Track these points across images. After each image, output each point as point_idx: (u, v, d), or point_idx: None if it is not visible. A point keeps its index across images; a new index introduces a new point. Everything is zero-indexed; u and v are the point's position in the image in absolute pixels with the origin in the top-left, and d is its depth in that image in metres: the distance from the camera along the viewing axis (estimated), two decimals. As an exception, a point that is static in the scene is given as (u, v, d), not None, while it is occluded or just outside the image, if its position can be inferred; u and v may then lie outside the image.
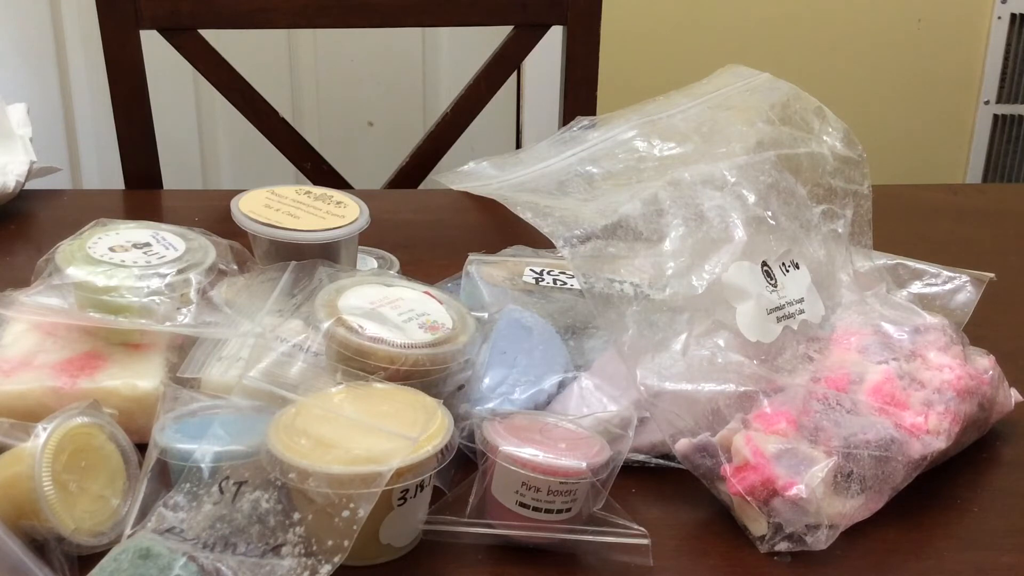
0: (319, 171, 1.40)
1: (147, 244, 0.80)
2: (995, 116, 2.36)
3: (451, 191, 1.01)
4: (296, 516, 0.60)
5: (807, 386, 0.71)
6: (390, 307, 0.73)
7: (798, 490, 0.64)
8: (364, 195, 0.90)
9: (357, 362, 0.68)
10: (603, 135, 0.85)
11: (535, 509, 0.64)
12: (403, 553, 0.64)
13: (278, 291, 0.77)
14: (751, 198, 0.78)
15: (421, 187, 1.40)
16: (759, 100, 0.87)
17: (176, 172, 1.68)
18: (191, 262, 0.78)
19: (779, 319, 0.75)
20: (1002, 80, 2.33)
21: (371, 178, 1.47)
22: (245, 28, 1.32)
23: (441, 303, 0.75)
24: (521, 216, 0.75)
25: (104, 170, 2.21)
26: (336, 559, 0.58)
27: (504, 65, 1.38)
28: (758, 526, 0.66)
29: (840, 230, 0.83)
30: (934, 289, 0.86)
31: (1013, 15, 2.28)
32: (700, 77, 0.91)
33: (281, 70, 2.22)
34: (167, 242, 0.80)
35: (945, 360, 0.73)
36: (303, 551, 0.59)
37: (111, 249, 0.78)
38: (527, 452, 0.63)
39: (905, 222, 1.15)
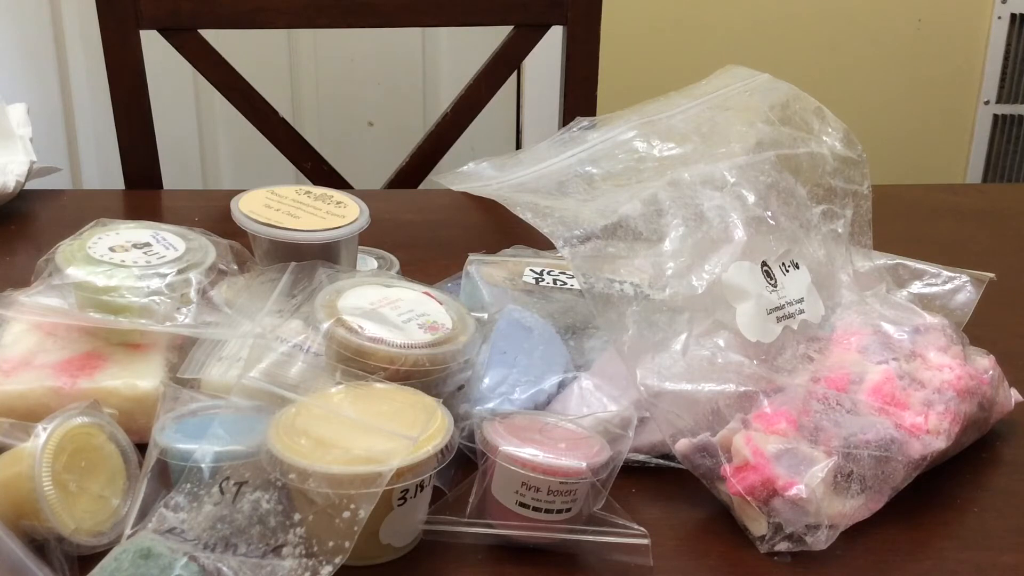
0: (319, 171, 1.40)
1: (147, 244, 0.80)
2: (995, 116, 2.36)
3: (451, 191, 1.01)
4: (297, 517, 0.60)
5: (807, 386, 0.71)
6: (390, 307, 0.73)
7: (798, 490, 0.64)
8: (364, 195, 0.90)
9: (357, 362, 0.68)
10: (603, 135, 0.85)
11: (535, 509, 0.64)
12: (403, 553, 0.64)
13: (278, 291, 0.77)
14: (751, 198, 0.78)
15: (421, 187, 1.40)
16: (759, 100, 0.86)
17: (176, 172, 1.69)
18: (191, 262, 0.78)
19: (779, 319, 0.75)
20: (1002, 80, 2.33)
21: (371, 178, 1.47)
22: (245, 28, 1.32)
23: (441, 303, 0.75)
24: (521, 216, 0.75)
25: (104, 170, 2.21)
26: (337, 560, 0.58)
27: (504, 65, 1.38)
28: (758, 526, 0.66)
29: (840, 230, 0.83)
30: (934, 289, 0.86)
31: (1013, 15, 2.28)
32: (700, 77, 0.91)
33: (281, 70, 2.22)
34: (167, 242, 0.80)
35: (945, 360, 0.73)
36: (304, 552, 0.59)
37: (111, 249, 0.78)
38: (527, 452, 0.63)
39: (905, 222, 1.15)
